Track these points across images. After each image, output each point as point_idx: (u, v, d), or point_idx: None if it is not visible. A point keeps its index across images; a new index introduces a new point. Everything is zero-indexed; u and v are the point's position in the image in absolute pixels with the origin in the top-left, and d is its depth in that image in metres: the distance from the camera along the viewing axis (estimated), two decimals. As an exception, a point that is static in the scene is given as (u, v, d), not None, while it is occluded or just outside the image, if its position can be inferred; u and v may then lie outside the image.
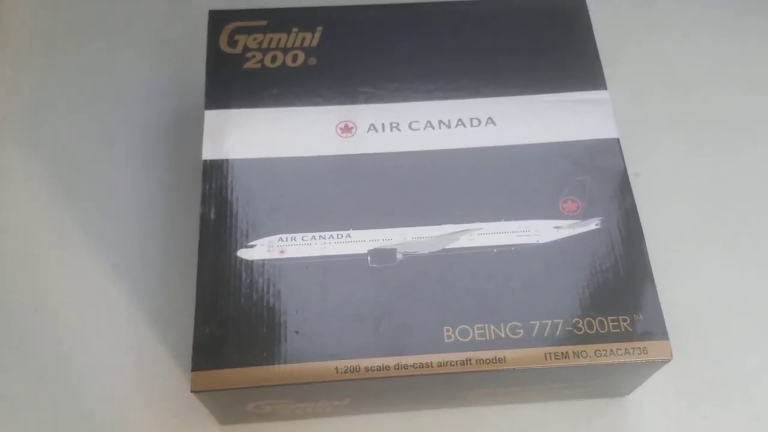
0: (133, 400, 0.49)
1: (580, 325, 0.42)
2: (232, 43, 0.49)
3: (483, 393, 0.46)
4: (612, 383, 0.47)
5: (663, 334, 0.42)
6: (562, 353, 0.41)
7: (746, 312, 0.53)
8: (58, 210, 0.55)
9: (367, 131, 0.48)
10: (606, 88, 0.50)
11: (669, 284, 0.46)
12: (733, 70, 0.64)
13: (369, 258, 0.44)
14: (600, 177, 0.46)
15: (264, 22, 0.50)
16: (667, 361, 0.42)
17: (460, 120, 0.48)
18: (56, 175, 0.57)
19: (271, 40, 0.50)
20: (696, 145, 0.60)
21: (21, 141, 0.58)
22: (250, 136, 0.47)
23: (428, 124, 0.48)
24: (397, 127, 0.48)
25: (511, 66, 0.50)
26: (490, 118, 0.48)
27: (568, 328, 0.42)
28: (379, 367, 0.40)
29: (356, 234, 0.44)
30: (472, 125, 0.48)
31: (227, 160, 0.46)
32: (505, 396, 0.47)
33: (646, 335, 0.42)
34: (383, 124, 0.48)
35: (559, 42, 0.51)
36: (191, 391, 0.41)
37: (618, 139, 0.48)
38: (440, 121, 0.48)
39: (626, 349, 0.41)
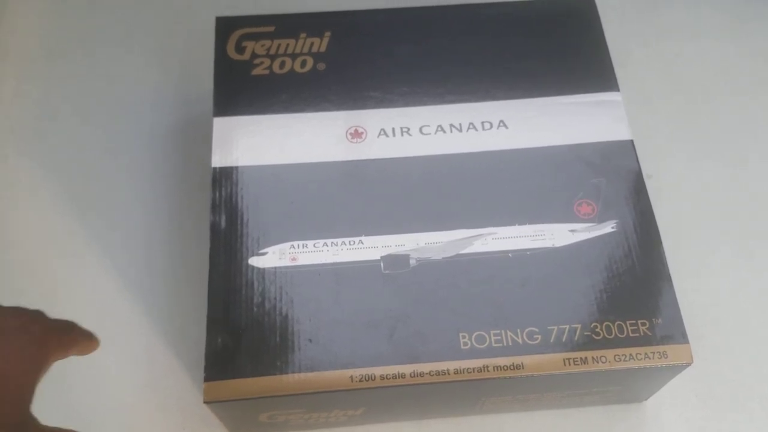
0: (144, 413, 0.49)
1: (598, 329, 0.41)
2: (240, 49, 0.49)
3: (500, 400, 0.45)
4: (630, 389, 0.46)
5: (683, 338, 0.41)
6: (581, 359, 0.40)
7: (766, 314, 0.53)
8: (66, 220, 0.55)
9: (378, 136, 0.47)
10: (618, 90, 0.49)
11: (686, 287, 0.46)
12: (741, 71, 0.63)
13: (382, 264, 0.43)
14: (614, 179, 0.46)
15: (272, 28, 0.50)
16: (688, 365, 0.41)
17: (471, 123, 0.48)
18: (63, 186, 0.56)
19: (279, 45, 0.49)
20: (707, 147, 0.59)
21: (28, 151, 0.58)
22: (260, 142, 0.47)
23: (439, 128, 0.47)
24: (407, 132, 0.47)
25: (522, 69, 0.50)
26: (502, 121, 0.48)
27: (586, 333, 0.41)
28: (395, 375, 0.40)
29: (368, 240, 0.44)
30: (483, 128, 0.47)
31: (237, 168, 0.46)
32: (523, 403, 0.46)
33: (665, 339, 0.41)
34: (393, 129, 0.47)
35: (570, 45, 0.51)
36: (204, 402, 0.40)
37: (632, 141, 0.47)
38: (451, 125, 0.48)
39: (646, 353, 0.41)
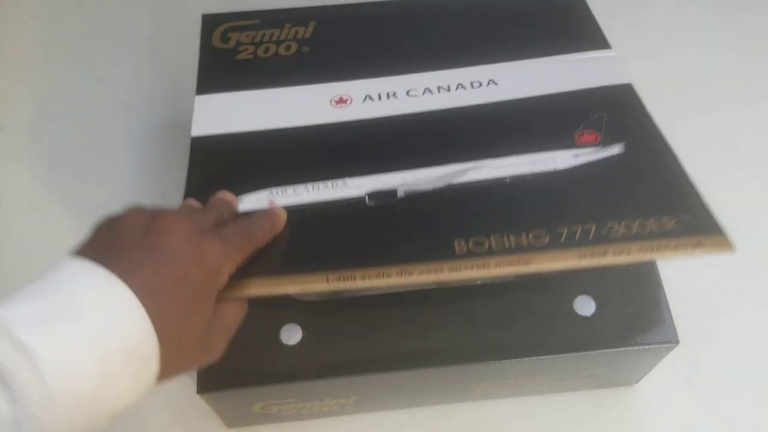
0: (137, 405, 0.43)
1: (616, 228, 0.35)
2: (225, 39, 0.49)
3: (490, 385, 0.41)
4: (619, 371, 0.41)
5: (718, 230, 0.35)
6: (600, 252, 0.34)
7: (756, 298, 0.50)
8: (57, 219, 0.53)
9: (363, 101, 0.45)
10: (611, 48, 0.47)
11: (675, 272, 0.43)
12: (729, 62, 0.63)
13: (366, 198, 0.39)
14: (617, 114, 0.42)
15: (257, 21, 0.50)
16: (730, 253, 0.34)
17: (460, 84, 0.46)
18: (55, 185, 0.55)
19: (264, 34, 0.49)
20: (697, 138, 0.56)
21: (19, 152, 0.58)
22: (242, 111, 0.45)
23: (426, 90, 0.45)
24: (394, 95, 0.45)
25: (511, 36, 0.49)
26: (491, 80, 0.46)
27: (602, 232, 0.35)
28: (378, 274, 0.34)
29: (352, 181, 0.40)
30: (473, 87, 0.45)
31: (216, 135, 0.43)
32: (513, 388, 0.41)
33: (698, 229, 0.35)
34: (380, 94, 0.45)
35: (558, 15, 0.50)
36: (197, 393, 0.37)
37: (631, 84, 0.44)
38: (439, 87, 0.46)
39: (677, 244, 0.34)
